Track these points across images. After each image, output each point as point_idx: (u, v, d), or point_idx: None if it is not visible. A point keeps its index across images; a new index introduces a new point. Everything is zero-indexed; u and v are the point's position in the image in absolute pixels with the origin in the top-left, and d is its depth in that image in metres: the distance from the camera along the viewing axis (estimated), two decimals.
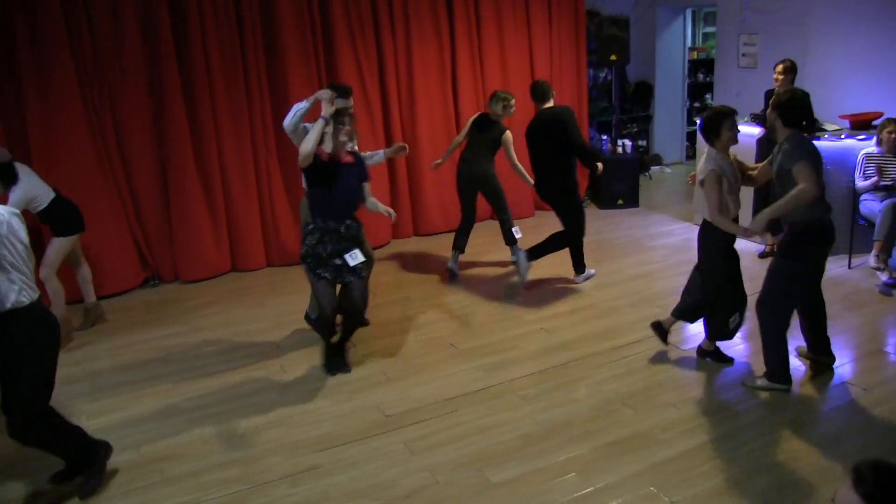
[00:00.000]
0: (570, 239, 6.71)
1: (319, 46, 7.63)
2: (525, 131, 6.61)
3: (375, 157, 5.98)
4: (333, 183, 4.93)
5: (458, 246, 7.12)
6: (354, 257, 5.01)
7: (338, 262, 5.01)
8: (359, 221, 5.16)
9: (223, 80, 7.22)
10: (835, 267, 6.85)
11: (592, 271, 6.95)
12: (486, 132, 6.87)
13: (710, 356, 5.20)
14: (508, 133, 6.88)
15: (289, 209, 7.74)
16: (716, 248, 4.82)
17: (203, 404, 4.93)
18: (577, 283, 6.80)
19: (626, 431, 4.39)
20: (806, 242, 4.49)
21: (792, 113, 4.42)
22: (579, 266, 6.83)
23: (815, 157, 4.35)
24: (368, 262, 5.22)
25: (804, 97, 4.49)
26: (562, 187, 6.55)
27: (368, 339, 5.79)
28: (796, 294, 4.67)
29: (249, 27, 7.23)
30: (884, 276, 6.36)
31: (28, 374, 3.63)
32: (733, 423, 4.43)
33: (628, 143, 9.81)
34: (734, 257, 4.89)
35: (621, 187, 9.38)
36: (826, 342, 4.99)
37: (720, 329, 5.00)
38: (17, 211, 3.67)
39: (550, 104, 6.51)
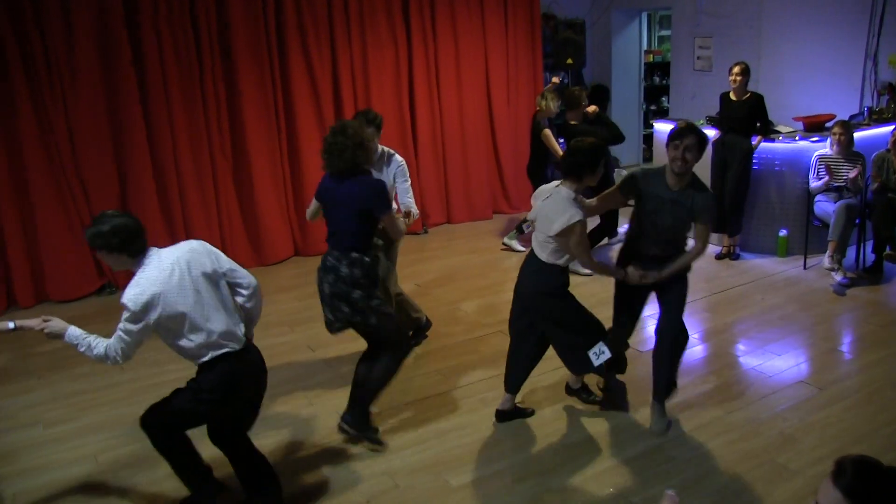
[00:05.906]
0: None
1: (274, 52, 7.57)
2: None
3: None
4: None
5: (521, 228, 8.00)
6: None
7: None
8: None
9: (178, 84, 7.12)
10: (790, 267, 6.95)
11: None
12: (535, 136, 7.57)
13: (576, 394, 4.80)
14: (546, 130, 7.48)
15: (240, 216, 7.75)
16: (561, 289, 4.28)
17: None
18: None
19: (584, 433, 4.40)
20: None
21: None
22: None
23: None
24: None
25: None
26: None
27: (326, 344, 5.72)
28: None
29: (205, 33, 7.14)
30: (838, 277, 6.45)
31: None
32: (690, 423, 4.45)
33: None
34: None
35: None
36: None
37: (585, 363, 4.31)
38: None
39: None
